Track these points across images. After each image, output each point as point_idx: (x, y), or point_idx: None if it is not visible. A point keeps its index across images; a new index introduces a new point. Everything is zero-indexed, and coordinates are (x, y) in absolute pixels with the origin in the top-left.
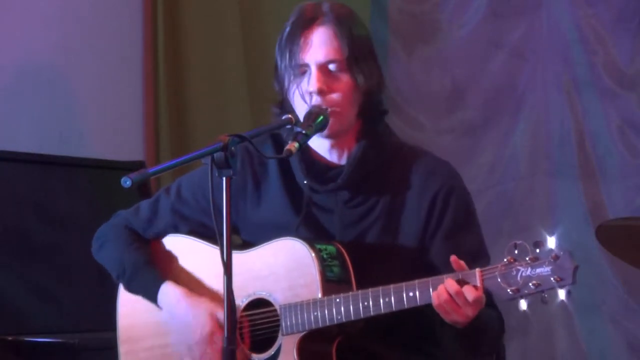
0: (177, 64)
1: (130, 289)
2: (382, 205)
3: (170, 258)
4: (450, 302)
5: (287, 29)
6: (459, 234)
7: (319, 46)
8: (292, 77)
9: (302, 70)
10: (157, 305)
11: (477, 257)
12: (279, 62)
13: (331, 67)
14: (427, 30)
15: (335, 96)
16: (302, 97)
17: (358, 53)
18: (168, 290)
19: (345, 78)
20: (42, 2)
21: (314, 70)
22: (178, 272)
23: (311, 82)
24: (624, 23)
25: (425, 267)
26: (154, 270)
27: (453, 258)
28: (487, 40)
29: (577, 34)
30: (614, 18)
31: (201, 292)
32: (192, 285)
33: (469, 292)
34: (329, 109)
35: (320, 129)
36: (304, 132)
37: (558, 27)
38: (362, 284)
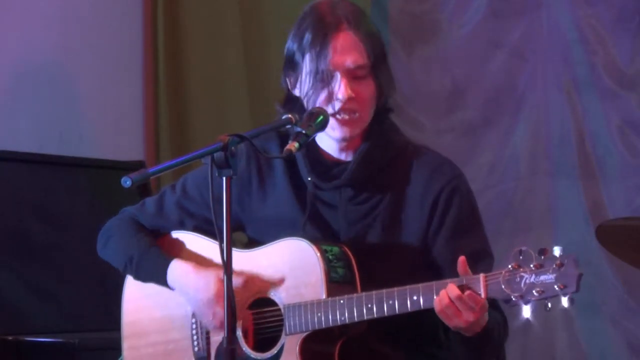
0: (177, 64)
1: (139, 274)
2: (386, 203)
3: (174, 253)
4: (451, 306)
5: (310, 32)
6: (462, 234)
7: (346, 52)
8: (318, 83)
9: (330, 76)
10: (167, 285)
11: (480, 258)
12: (299, 62)
13: (358, 73)
14: (427, 30)
15: (361, 102)
16: (329, 103)
17: (379, 57)
18: (176, 266)
19: (369, 83)
20: (42, 2)
21: (342, 77)
22: None
23: (341, 89)
24: (624, 23)
25: (427, 266)
26: (160, 252)
27: (461, 259)
28: (487, 40)
29: (577, 34)
30: (614, 18)
31: None
32: None
33: (471, 299)
34: (356, 114)
35: (320, 128)
36: (304, 132)
37: (558, 27)
38: (366, 282)
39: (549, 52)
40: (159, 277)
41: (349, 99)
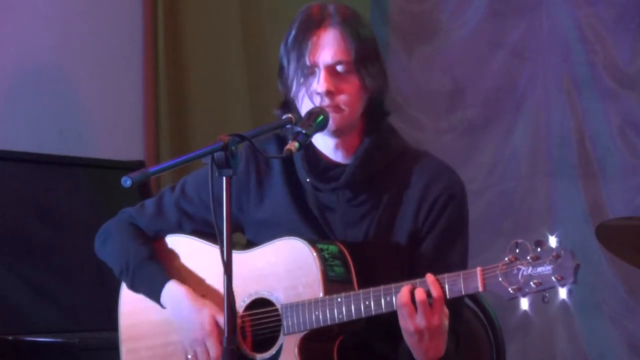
0: (177, 64)
1: (133, 285)
2: (383, 205)
3: (172, 258)
4: (409, 305)
5: (294, 31)
6: (446, 244)
7: (326, 48)
8: (300, 79)
9: (310, 71)
10: (160, 304)
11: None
12: (285, 64)
13: (339, 68)
14: (428, 30)
15: (343, 97)
16: (310, 98)
17: (365, 54)
18: (172, 289)
19: (352, 79)
20: (42, 2)
21: (322, 71)
22: (180, 272)
23: (320, 83)
24: (624, 23)
25: (410, 268)
26: (158, 267)
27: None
28: (487, 40)
29: (577, 34)
30: (614, 18)
31: (203, 293)
32: (193, 285)
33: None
34: (340, 106)
35: (320, 128)
36: (304, 131)
37: (558, 27)
38: (364, 283)
39: (549, 52)
40: (153, 295)
41: (327, 92)
